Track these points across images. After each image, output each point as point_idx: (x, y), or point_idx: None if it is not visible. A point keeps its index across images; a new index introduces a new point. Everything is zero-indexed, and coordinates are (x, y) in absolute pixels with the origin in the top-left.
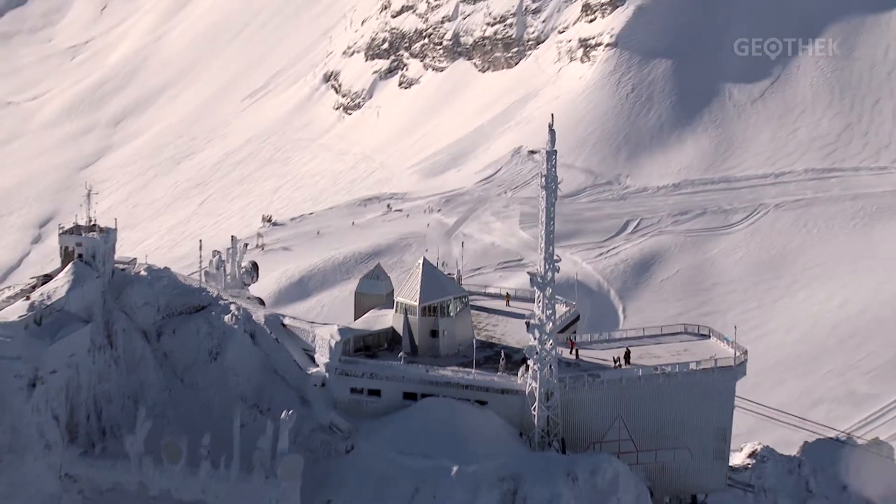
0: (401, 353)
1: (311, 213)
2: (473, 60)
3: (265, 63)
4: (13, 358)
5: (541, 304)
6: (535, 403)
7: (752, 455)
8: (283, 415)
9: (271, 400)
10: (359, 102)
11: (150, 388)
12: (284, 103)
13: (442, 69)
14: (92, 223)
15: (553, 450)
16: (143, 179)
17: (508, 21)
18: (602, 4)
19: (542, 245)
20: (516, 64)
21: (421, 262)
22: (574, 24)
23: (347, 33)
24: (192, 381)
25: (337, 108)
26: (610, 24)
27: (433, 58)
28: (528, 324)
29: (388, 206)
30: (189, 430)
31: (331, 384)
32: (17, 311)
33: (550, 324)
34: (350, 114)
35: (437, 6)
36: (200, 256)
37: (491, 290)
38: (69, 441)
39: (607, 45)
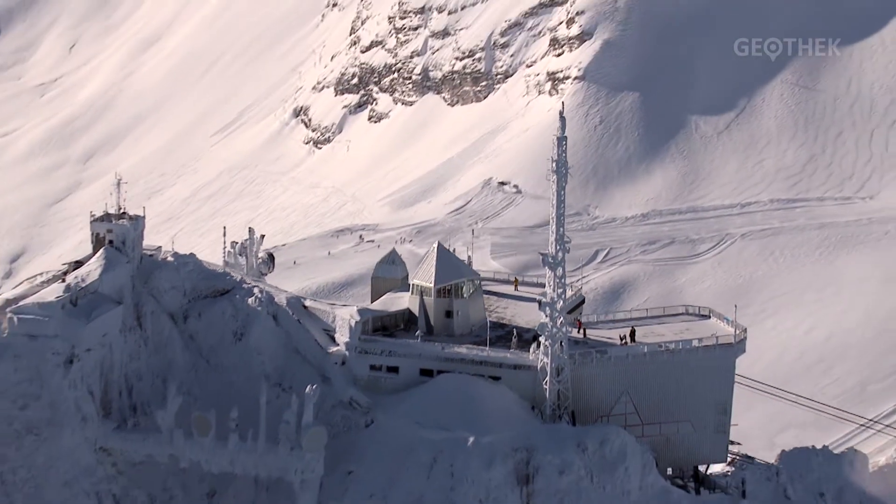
0: (418, 332)
1: (284, 245)
2: (442, 94)
3: (235, 98)
4: (51, 336)
5: (552, 283)
6: (547, 378)
7: (730, 463)
8: (307, 389)
9: (293, 378)
10: (329, 137)
11: (177, 367)
12: (255, 138)
13: (411, 103)
14: (121, 211)
15: (564, 422)
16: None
17: (477, 56)
18: (570, 39)
19: (553, 227)
20: (485, 98)
21: (435, 246)
22: (542, 58)
23: (317, 69)
24: (217, 361)
25: (307, 143)
26: (578, 58)
27: (402, 92)
28: (539, 302)
29: (361, 237)
30: (215, 407)
31: (351, 362)
32: (53, 292)
33: (561, 302)
34: (320, 148)
35: (407, 41)
36: (224, 242)
37: (499, 276)
38: (103, 416)
39: (575, 78)
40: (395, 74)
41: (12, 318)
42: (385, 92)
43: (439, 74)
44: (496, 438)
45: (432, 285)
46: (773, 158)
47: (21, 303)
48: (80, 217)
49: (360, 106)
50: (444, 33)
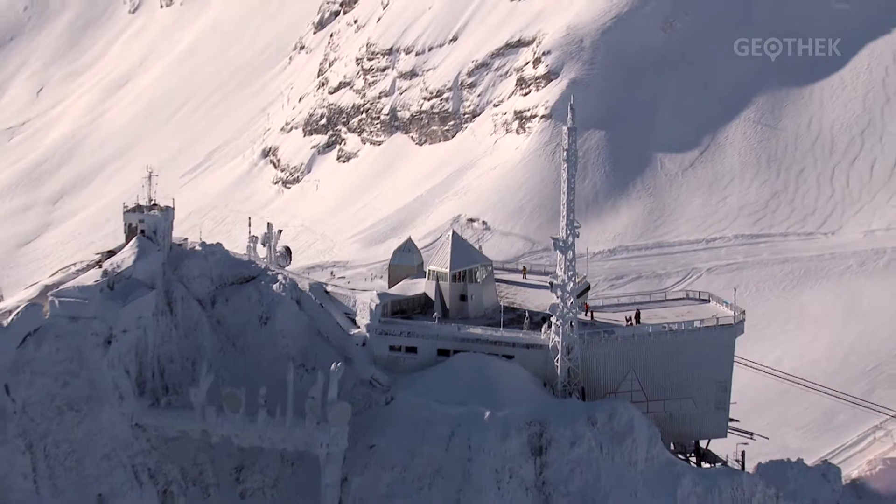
0: (435, 315)
1: None
2: (411, 134)
3: (204, 140)
4: (91, 318)
5: (562, 266)
6: (558, 356)
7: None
8: (332, 367)
9: (316, 359)
10: (297, 176)
11: (206, 350)
12: (223, 178)
13: (380, 143)
14: (152, 203)
15: (574, 398)
16: (84, 255)
17: (445, 96)
18: (536, 78)
19: (564, 213)
20: (453, 136)
21: (450, 234)
22: (509, 97)
23: (285, 110)
24: (243, 344)
25: (276, 183)
26: (544, 97)
27: (371, 132)
28: (551, 284)
29: (332, 273)
30: (242, 386)
31: (371, 343)
32: (92, 277)
33: (571, 284)
34: (289, 188)
35: (375, 82)
36: (249, 232)
37: (508, 266)
38: (139, 394)
39: (542, 116)
40: (364, 115)
41: (54, 300)
42: (353, 132)
43: (407, 114)
44: (511, 412)
45: (448, 270)
46: (737, 195)
47: (61, 287)
48: (51, 258)
49: (328, 146)
50: (412, 74)
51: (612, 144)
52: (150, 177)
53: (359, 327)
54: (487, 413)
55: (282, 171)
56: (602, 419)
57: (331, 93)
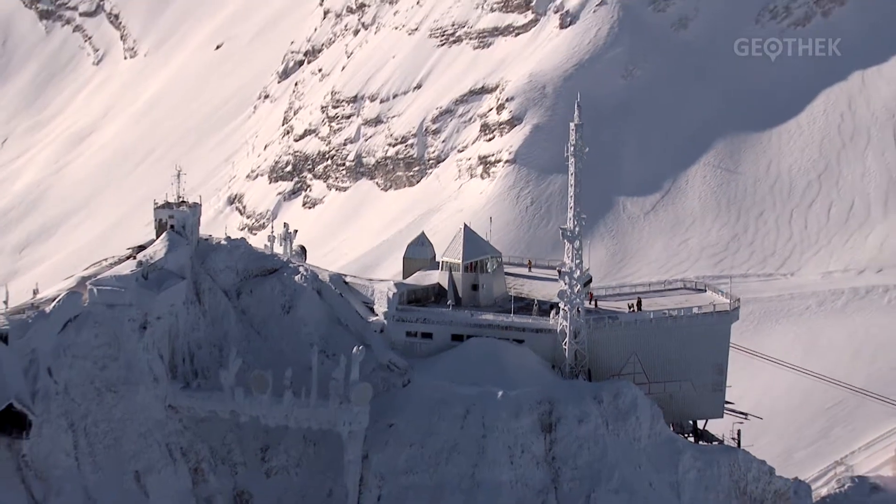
0: (449, 302)
1: None
2: (376, 180)
3: (169, 189)
4: (127, 305)
5: (570, 254)
6: (566, 340)
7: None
8: (354, 350)
9: (337, 345)
10: (263, 223)
11: (232, 337)
12: None
13: (345, 189)
14: (181, 200)
15: (581, 379)
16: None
17: (410, 142)
18: (500, 124)
19: (572, 204)
20: (418, 182)
21: (462, 227)
22: (473, 143)
23: (250, 158)
24: (267, 332)
25: (242, 229)
26: (508, 142)
27: (336, 178)
28: (559, 271)
29: None
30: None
31: (388, 329)
32: (127, 267)
33: (579, 271)
34: (255, 234)
35: (340, 129)
36: (272, 228)
37: (514, 261)
38: (171, 378)
39: (506, 161)
40: (329, 161)
41: (93, 289)
42: (319, 178)
43: (372, 161)
44: (522, 392)
45: (460, 261)
46: (698, 237)
47: (98, 277)
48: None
49: (294, 192)
50: (377, 121)
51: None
52: (178, 175)
53: (376, 315)
54: (500, 393)
55: (248, 217)
56: (607, 398)
57: (296, 140)
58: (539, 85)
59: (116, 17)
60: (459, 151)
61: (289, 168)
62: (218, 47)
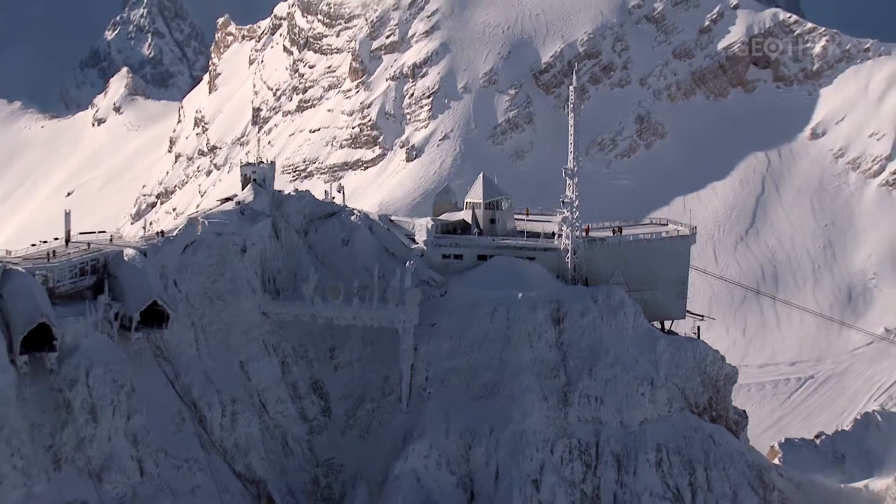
0: (474, 230)
1: None
2: None
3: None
4: (231, 233)
5: (570, 188)
6: (568, 256)
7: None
8: (406, 263)
9: (385, 269)
10: None
11: (303, 266)
12: None
13: None
14: (260, 160)
15: (580, 285)
16: None
17: None
18: None
19: (571, 148)
20: None
21: (481, 175)
22: None
23: None
24: (330, 262)
25: None
26: None
27: None
28: (563, 202)
29: None
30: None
31: (427, 253)
32: (229, 206)
33: (578, 201)
34: None
35: None
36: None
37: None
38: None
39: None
40: None
41: (205, 221)
42: None
43: None
44: (537, 294)
45: (481, 201)
46: None
47: (208, 212)
48: None
49: None
50: None
51: None
52: (258, 140)
53: (417, 244)
54: (520, 294)
55: None
56: (601, 298)
57: None
58: (389, 214)
59: None
60: None
61: None
62: (69, 194)
